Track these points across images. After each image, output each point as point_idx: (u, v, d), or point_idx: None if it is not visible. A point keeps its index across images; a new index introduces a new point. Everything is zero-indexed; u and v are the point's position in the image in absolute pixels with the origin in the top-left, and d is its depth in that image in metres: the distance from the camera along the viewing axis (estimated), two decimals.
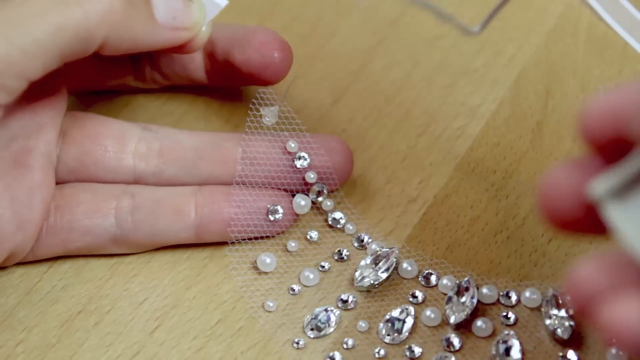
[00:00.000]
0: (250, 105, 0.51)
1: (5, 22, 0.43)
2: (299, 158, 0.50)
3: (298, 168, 0.50)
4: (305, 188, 0.50)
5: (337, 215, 0.51)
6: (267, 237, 0.50)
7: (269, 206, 0.49)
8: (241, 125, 0.50)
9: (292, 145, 0.50)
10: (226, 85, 0.55)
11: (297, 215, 0.50)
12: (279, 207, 0.49)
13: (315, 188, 0.50)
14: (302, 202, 0.50)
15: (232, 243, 0.50)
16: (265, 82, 0.51)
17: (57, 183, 0.49)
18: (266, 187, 0.50)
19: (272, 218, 0.49)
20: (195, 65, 0.53)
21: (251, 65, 0.51)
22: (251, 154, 0.50)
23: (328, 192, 0.51)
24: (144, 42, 0.47)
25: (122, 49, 0.46)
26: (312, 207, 0.50)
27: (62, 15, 0.44)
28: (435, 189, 0.52)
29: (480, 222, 0.51)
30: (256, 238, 0.50)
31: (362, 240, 0.50)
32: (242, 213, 0.49)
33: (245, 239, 0.50)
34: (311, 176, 0.50)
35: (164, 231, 0.49)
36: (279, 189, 0.50)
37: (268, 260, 0.49)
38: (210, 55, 0.53)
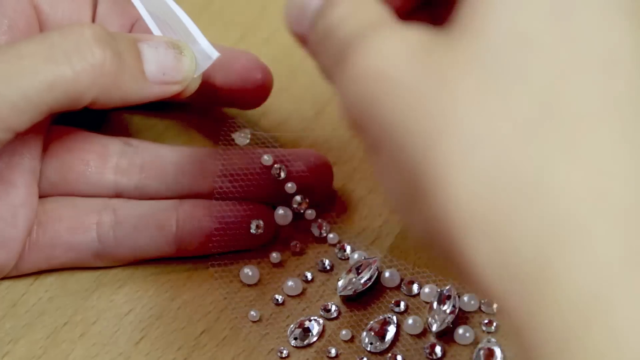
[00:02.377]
0: (221, 132, 0.51)
1: (5, 76, 0.43)
2: (278, 169, 0.50)
3: (278, 179, 0.50)
4: (287, 200, 0.51)
5: (319, 225, 0.51)
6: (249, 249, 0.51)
7: (251, 221, 0.50)
8: (214, 138, 0.51)
9: (267, 158, 0.50)
10: (207, 105, 0.55)
11: (278, 226, 0.51)
12: (260, 222, 0.50)
13: (297, 199, 0.51)
14: (283, 213, 0.50)
15: (214, 258, 0.50)
16: (245, 106, 0.52)
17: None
18: (246, 200, 0.50)
19: (253, 232, 0.50)
20: None
21: (232, 89, 0.51)
22: (230, 168, 0.50)
23: (309, 203, 0.51)
24: (132, 98, 0.47)
25: (111, 105, 0.47)
26: (294, 217, 0.51)
27: (54, 74, 0.44)
28: None
29: None
30: (238, 250, 0.50)
31: (345, 250, 0.51)
32: (223, 227, 0.49)
33: (226, 252, 0.50)
34: (289, 186, 0.50)
35: (146, 246, 0.49)
36: (259, 202, 0.51)
37: (250, 273, 0.49)
38: None
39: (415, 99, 0.33)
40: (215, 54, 0.48)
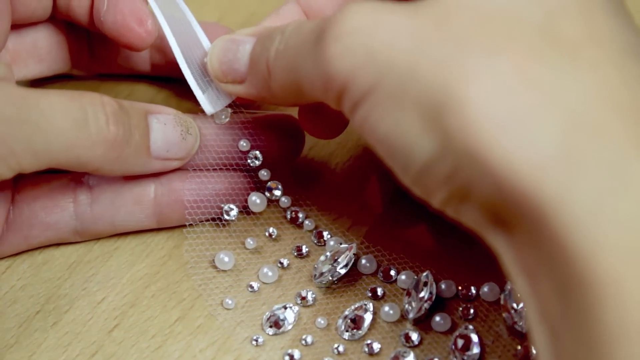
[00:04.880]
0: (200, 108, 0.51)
1: (36, 126, 0.43)
2: (253, 157, 0.50)
3: (252, 167, 0.50)
4: (261, 186, 0.50)
5: (295, 212, 0.51)
6: (225, 234, 0.50)
7: (223, 206, 0.49)
8: (192, 111, 0.50)
9: (244, 144, 0.50)
10: (169, 75, 0.55)
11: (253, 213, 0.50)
12: (232, 207, 0.50)
13: (271, 184, 0.50)
14: (257, 200, 0.50)
15: (191, 226, 0.50)
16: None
17: None
18: (222, 169, 0.50)
19: (227, 217, 0.49)
20: (141, 57, 0.54)
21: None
22: (204, 140, 0.50)
23: (283, 190, 0.50)
24: (133, 171, 0.48)
25: (109, 175, 0.48)
26: (269, 204, 0.50)
27: (77, 137, 0.44)
28: (394, 184, 0.52)
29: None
30: (213, 219, 0.50)
31: (321, 237, 0.50)
32: (199, 198, 0.49)
33: (203, 221, 0.50)
34: (263, 173, 0.50)
35: (125, 221, 0.49)
36: (234, 169, 0.50)
37: (226, 259, 0.49)
38: (159, 49, 0.54)
39: (415, 37, 0.38)
40: (227, 100, 0.49)
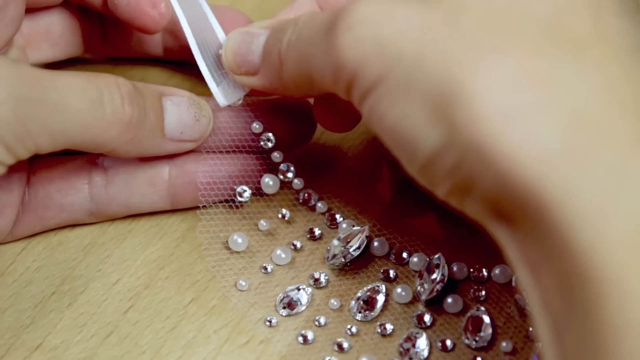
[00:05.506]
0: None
1: (53, 107, 0.43)
2: (266, 139, 0.50)
3: (265, 148, 0.50)
4: (274, 167, 0.51)
5: (308, 193, 0.51)
6: (238, 215, 0.51)
7: (236, 188, 0.50)
8: (205, 94, 0.50)
9: (256, 126, 0.50)
10: (182, 59, 0.56)
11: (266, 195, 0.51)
12: (245, 188, 0.50)
13: (282, 167, 0.50)
14: (270, 182, 0.50)
15: (204, 208, 0.50)
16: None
17: None
18: (235, 151, 0.50)
19: (240, 199, 0.50)
20: (153, 41, 0.54)
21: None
22: (217, 122, 0.50)
23: (295, 172, 0.51)
24: (147, 152, 0.48)
25: (125, 156, 0.48)
26: (282, 187, 0.51)
27: (93, 117, 0.44)
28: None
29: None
30: (227, 201, 0.50)
31: (334, 219, 0.51)
32: (213, 180, 0.50)
33: (216, 203, 0.50)
34: (276, 155, 0.50)
35: (139, 202, 0.50)
36: (247, 152, 0.51)
37: (240, 240, 0.49)
38: (172, 33, 0.54)
39: (424, 30, 0.39)
40: (242, 93, 0.49)
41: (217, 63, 0.49)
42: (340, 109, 0.48)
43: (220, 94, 0.49)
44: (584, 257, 0.34)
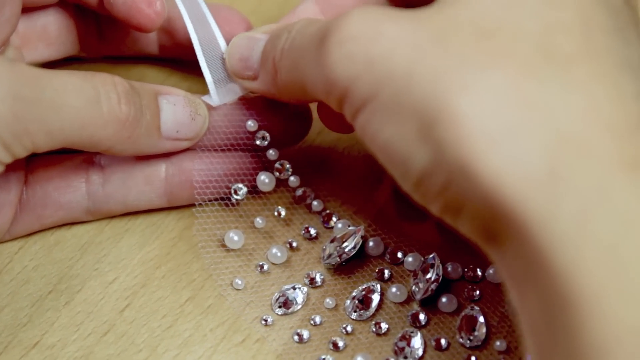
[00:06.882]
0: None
1: (50, 105, 0.44)
2: (261, 137, 0.50)
3: (260, 147, 0.50)
4: (270, 165, 0.51)
5: (304, 191, 0.51)
6: (235, 214, 0.51)
7: (232, 186, 0.50)
8: (202, 94, 0.50)
9: (251, 124, 0.50)
10: (178, 57, 0.56)
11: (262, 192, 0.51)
12: (240, 186, 0.50)
13: (278, 165, 0.51)
14: (266, 180, 0.50)
15: (200, 206, 0.50)
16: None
17: None
18: (230, 150, 0.51)
19: (236, 197, 0.50)
20: (149, 39, 0.55)
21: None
22: (213, 121, 0.50)
23: (292, 170, 0.51)
24: (143, 151, 0.49)
25: (120, 155, 0.49)
26: (278, 186, 0.51)
27: (90, 116, 0.45)
28: None
29: None
30: (223, 199, 0.51)
31: (329, 218, 0.51)
32: (208, 178, 0.50)
33: (212, 201, 0.51)
34: (271, 153, 0.51)
35: (136, 200, 0.50)
36: (243, 150, 0.51)
37: (236, 238, 0.50)
38: (167, 31, 0.54)
39: (414, 49, 0.39)
40: (243, 89, 0.50)
41: (216, 63, 0.50)
42: None
43: (217, 94, 0.49)
44: (563, 278, 0.35)
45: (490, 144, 0.36)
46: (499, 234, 0.37)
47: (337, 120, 0.49)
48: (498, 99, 0.37)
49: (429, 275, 0.48)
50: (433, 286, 0.48)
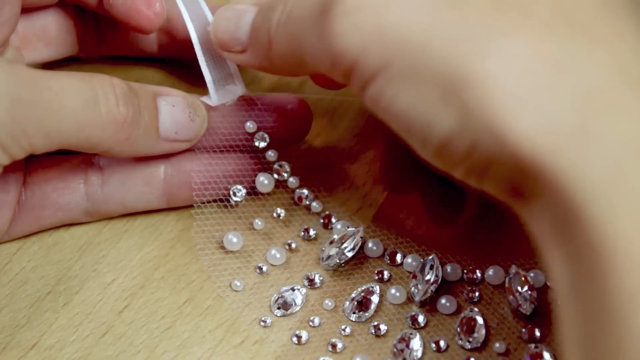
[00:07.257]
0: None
1: (48, 106, 0.44)
2: (259, 138, 0.50)
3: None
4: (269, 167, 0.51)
5: (303, 193, 0.51)
6: (234, 215, 0.51)
7: (230, 187, 0.50)
8: (200, 95, 0.50)
9: (250, 125, 0.50)
10: (177, 57, 0.56)
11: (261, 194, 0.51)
12: (239, 187, 0.50)
13: (277, 166, 0.51)
14: (265, 181, 0.50)
15: (199, 207, 0.50)
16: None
17: None
18: (229, 151, 0.51)
19: (234, 198, 0.50)
20: (148, 39, 0.55)
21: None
22: (212, 122, 0.50)
23: (291, 171, 0.51)
24: (142, 152, 0.48)
25: (119, 156, 0.49)
26: (277, 187, 0.51)
27: (88, 117, 0.45)
28: (399, 172, 0.53)
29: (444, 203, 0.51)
30: (221, 200, 0.51)
31: (329, 219, 0.51)
32: (207, 179, 0.50)
33: (211, 202, 0.51)
34: (271, 155, 0.50)
35: (135, 201, 0.50)
36: (241, 151, 0.51)
37: (235, 240, 0.50)
38: (166, 31, 0.54)
39: (429, 15, 0.39)
40: (242, 90, 0.50)
41: (215, 62, 0.50)
42: None
43: (216, 94, 0.49)
44: (595, 228, 0.35)
45: (519, 103, 0.37)
46: (528, 191, 0.38)
47: (329, 79, 0.48)
48: (523, 61, 0.37)
49: (428, 277, 0.48)
50: (432, 288, 0.48)
